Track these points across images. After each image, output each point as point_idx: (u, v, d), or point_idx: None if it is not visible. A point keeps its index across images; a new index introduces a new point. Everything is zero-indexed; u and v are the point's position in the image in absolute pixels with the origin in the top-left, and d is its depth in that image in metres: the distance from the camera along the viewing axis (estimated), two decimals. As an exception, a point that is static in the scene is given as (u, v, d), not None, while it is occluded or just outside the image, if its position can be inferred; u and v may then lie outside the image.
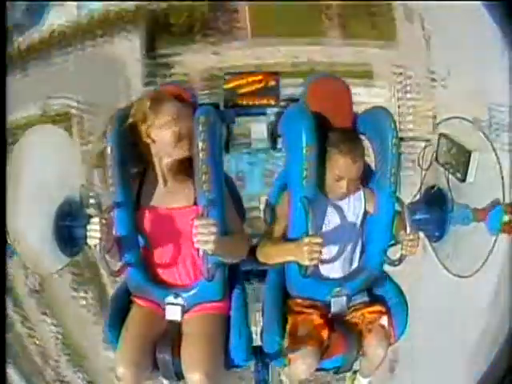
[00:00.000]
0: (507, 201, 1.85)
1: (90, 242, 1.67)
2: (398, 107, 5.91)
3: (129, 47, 5.71)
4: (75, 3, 5.48)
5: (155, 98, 1.78)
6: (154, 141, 1.76)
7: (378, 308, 1.94)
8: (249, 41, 5.75)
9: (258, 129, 2.29)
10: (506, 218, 1.85)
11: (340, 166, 1.79)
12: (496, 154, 1.79)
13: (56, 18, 5.43)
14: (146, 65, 5.72)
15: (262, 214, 2.11)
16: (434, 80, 5.67)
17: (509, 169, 1.93)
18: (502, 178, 1.78)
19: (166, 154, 1.78)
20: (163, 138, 1.75)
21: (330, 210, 1.89)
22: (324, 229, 1.85)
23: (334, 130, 1.85)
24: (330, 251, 1.87)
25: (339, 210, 1.91)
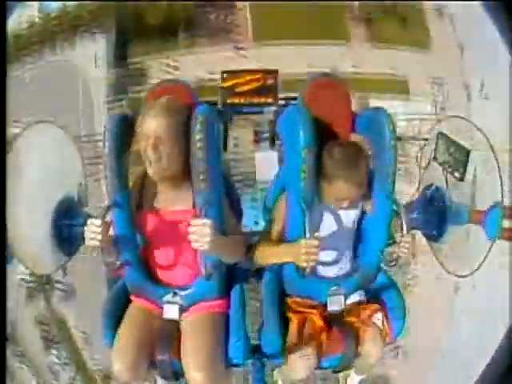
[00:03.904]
0: (506, 201, 1.82)
1: (90, 243, 1.68)
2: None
3: (93, 55, 4.70)
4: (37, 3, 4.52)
5: (151, 104, 1.76)
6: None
7: (373, 306, 1.95)
8: (250, 45, 4.83)
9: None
10: (506, 222, 1.78)
11: (343, 192, 1.76)
12: (494, 154, 1.78)
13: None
14: (114, 78, 4.68)
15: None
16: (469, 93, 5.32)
17: (508, 168, 1.93)
18: (501, 177, 1.77)
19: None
20: (139, 145, 1.74)
21: (328, 217, 1.89)
22: (321, 229, 1.85)
23: (336, 144, 1.80)
24: (326, 252, 1.87)
25: (336, 216, 1.90)
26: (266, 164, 2.22)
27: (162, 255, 1.86)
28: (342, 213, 1.88)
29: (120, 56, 4.71)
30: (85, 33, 4.72)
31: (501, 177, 1.76)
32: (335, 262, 1.92)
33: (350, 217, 1.91)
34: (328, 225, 1.88)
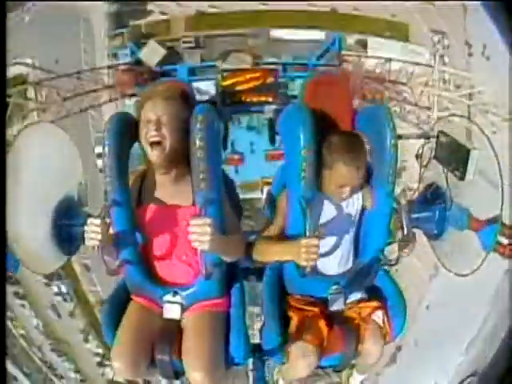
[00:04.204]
0: (506, 194, 1.81)
1: (90, 243, 1.68)
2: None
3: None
4: None
5: (146, 93, 1.80)
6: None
7: (374, 304, 1.95)
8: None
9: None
10: (504, 240, 1.80)
11: (344, 175, 1.78)
12: (495, 152, 1.77)
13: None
14: (115, 11, 4.84)
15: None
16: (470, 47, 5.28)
17: (508, 167, 1.92)
18: (501, 176, 1.77)
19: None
20: (140, 136, 1.77)
21: (328, 205, 1.89)
22: (321, 223, 1.85)
23: (335, 133, 1.83)
24: (327, 245, 1.87)
25: (337, 205, 1.91)
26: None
27: (159, 245, 1.85)
28: (343, 203, 1.90)
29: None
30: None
31: (501, 176, 1.75)
32: (335, 247, 1.92)
33: (351, 205, 1.91)
34: (328, 213, 1.89)
